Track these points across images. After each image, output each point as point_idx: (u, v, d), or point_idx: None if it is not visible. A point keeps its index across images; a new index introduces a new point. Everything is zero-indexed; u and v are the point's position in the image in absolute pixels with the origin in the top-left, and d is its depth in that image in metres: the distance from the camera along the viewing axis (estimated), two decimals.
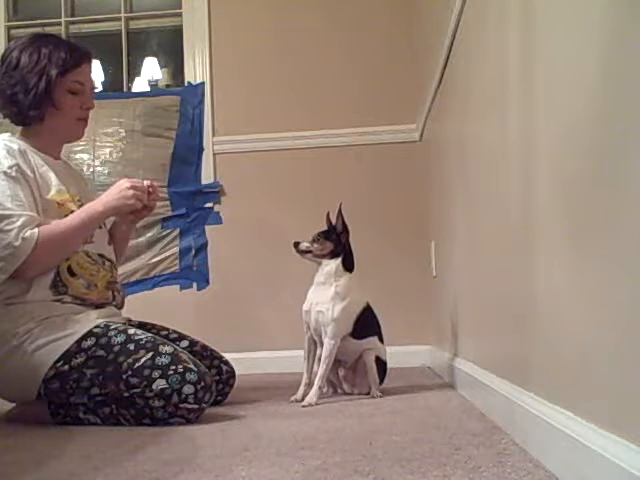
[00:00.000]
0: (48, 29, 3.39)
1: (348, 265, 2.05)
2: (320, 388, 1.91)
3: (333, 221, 2.08)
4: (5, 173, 1.70)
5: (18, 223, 1.64)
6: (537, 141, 1.16)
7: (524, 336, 1.28)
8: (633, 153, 0.76)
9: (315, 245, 2.03)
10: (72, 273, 1.79)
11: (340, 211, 2.06)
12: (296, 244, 2.04)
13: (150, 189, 1.85)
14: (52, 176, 1.82)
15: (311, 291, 2.04)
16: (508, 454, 1.14)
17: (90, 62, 1.91)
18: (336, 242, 2.04)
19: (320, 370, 1.93)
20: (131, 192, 1.77)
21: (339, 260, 2.03)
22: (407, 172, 3.11)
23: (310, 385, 1.95)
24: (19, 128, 1.88)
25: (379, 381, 2.07)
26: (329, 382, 2.13)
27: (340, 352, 2.01)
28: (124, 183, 1.79)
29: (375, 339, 2.10)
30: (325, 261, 2.03)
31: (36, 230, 1.66)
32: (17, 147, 1.77)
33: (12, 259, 1.65)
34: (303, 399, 1.89)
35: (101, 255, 1.89)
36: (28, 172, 1.75)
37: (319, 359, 1.98)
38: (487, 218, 1.61)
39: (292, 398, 1.95)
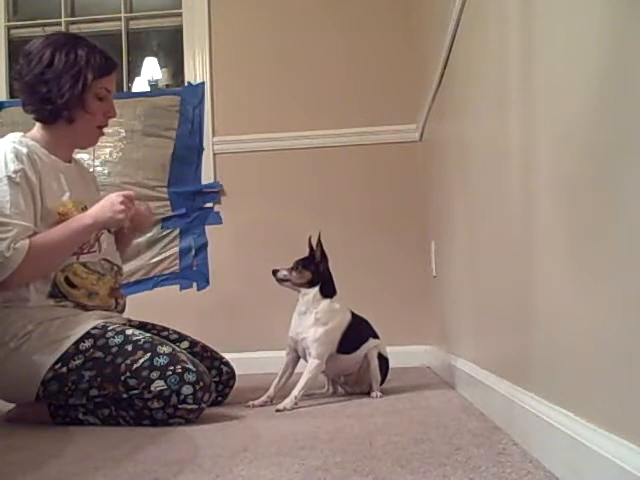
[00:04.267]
0: (48, 29, 3.40)
1: (327, 292, 2.04)
2: (296, 398, 1.86)
3: (314, 245, 2.06)
4: (9, 178, 1.68)
5: (12, 233, 1.63)
6: (537, 141, 1.16)
7: (524, 336, 1.28)
8: (632, 153, 0.76)
9: (294, 274, 2.03)
10: (72, 285, 1.78)
11: (319, 239, 2.05)
12: (274, 272, 2.03)
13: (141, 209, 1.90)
14: (57, 185, 1.80)
15: (294, 319, 2.04)
16: (508, 454, 1.14)
17: (116, 71, 1.91)
18: (314, 271, 2.03)
19: (301, 382, 1.89)
20: (121, 207, 1.74)
21: (317, 288, 2.02)
22: (407, 172, 3.11)
23: (274, 398, 1.93)
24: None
25: (382, 379, 2.07)
26: (331, 381, 2.12)
27: (340, 369, 2.07)
28: (117, 198, 1.75)
29: (370, 341, 2.10)
30: (304, 290, 2.03)
31: (27, 241, 1.64)
32: (26, 151, 1.74)
33: (1, 269, 1.63)
34: (260, 406, 1.88)
35: (108, 260, 1.88)
36: (33, 179, 1.72)
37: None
38: (487, 218, 1.61)
39: (249, 403, 1.92)
